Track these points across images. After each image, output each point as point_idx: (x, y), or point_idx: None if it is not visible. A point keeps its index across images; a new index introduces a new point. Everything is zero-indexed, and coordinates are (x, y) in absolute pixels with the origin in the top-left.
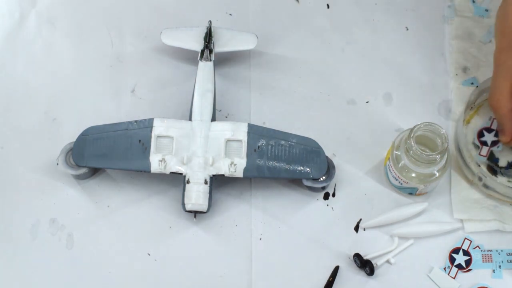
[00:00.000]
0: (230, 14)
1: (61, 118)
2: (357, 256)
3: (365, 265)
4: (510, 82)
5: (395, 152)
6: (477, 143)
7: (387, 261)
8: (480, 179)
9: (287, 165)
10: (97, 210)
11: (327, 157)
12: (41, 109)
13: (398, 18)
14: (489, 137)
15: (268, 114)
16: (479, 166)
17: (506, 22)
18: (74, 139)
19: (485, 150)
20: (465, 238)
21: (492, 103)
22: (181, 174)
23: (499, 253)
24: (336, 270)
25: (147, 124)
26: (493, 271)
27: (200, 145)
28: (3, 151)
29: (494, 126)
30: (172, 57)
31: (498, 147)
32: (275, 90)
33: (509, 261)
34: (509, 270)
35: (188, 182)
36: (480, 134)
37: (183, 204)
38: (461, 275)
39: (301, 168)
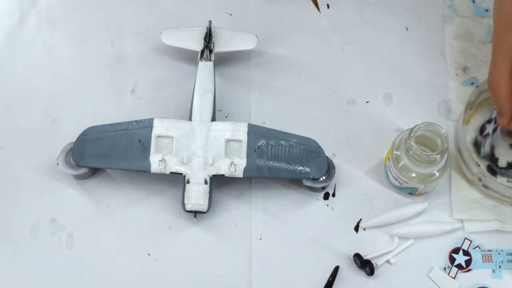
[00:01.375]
0: (230, 14)
1: (61, 118)
2: (357, 256)
3: (365, 265)
4: (509, 62)
5: (395, 152)
6: (480, 139)
7: (387, 261)
8: (480, 179)
9: (287, 165)
10: (97, 210)
11: (327, 157)
12: (41, 109)
13: (398, 18)
14: (490, 128)
15: (268, 114)
16: (479, 166)
17: (503, 3)
18: (74, 139)
19: (488, 143)
20: (465, 238)
21: (491, 84)
22: (181, 174)
23: (499, 253)
24: (336, 270)
25: (147, 124)
26: (493, 271)
27: (200, 145)
28: (3, 151)
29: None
30: (172, 57)
31: (495, 130)
32: (275, 90)
33: (509, 261)
34: (509, 270)
35: (188, 182)
36: (482, 129)
37: (183, 204)
38: (461, 275)
39: (301, 168)
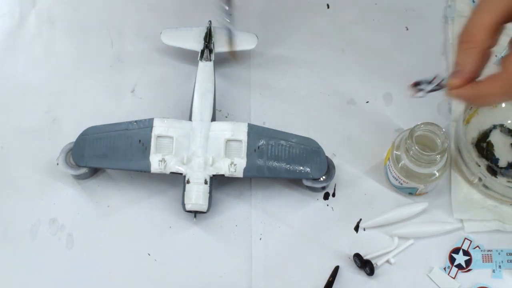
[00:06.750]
0: (230, 14)
1: (61, 118)
2: (357, 256)
3: (365, 265)
4: (495, 16)
5: (395, 152)
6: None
7: (387, 261)
8: (480, 179)
9: (287, 165)
10: (97, 210)
11: (327, 157)
12: (41, 109)
13: (398, 18)
14: (426, 87)
15: (268, 114)
16: (479, 166)
17: None
18: (74, 139)
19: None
20: (465, 238)
21: (464, 37)
22: (181, 174)
23: (499, 253)
24: (336, 270)
25: (147, 124)
26: (493, 271)
27: (200, 145)
28: (3, 151)
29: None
30: (172, 57)
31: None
32: (275, 90)
33: (509, 261)
34: (509, 270)
35: (188, 182)
36: (416, 83)
37: (183, 204)
38: (461, 275)
39: (301, 168)
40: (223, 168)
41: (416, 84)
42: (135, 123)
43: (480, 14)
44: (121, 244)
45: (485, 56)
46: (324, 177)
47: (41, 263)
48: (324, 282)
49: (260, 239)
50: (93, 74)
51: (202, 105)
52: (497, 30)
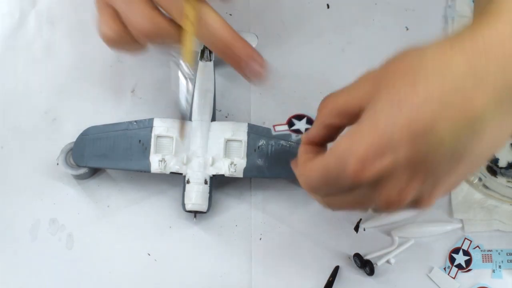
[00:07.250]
0: (230, 14)
1: (61, 118)
2: (357, 256)
3: (365, 265)
4: (338, 104)
5: None
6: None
7: (387, 261)
8: (480, 179)
9: (287, 165)
10: (97, 210)
11: None
12: (41, 109)
13: (398, 18)
14: (301, 125)
15: (268, 114)
16: None
17: None
18: (74, 139)
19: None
20: (465, 238)
21: (322, 101)
22: (181, 174)
23: (499, 253)
24: (336, 270)
25: (147, 124)
26: (493, 271)
27: (200, 145)
28: (3, 151)
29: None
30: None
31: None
32: (275, 90)
33: (509, 261)
34: (509, 270)
35: (188, 182)
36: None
37: (183, 204)
38: (461, 275)
39: None
40: (223, 168)
41: (297, 117)
42: (135, 123)
43: (340, 93)
44: (121, 244)
45: (331, 131)
46: None
47: (41, 263)
48: (324, 282)
49: (260, 239)
50: (93, 74)
51: (202, 105)
52: (344, 116)
